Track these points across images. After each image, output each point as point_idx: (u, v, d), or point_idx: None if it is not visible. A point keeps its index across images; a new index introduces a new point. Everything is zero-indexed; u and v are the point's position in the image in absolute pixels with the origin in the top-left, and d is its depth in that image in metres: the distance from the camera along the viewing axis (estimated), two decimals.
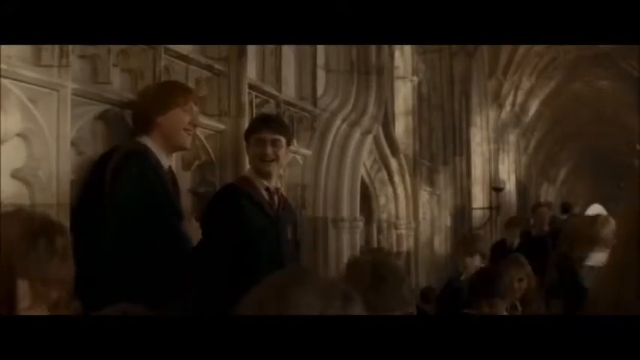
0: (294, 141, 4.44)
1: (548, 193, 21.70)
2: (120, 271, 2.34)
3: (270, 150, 2.97)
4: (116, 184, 2.41)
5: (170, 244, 2.48)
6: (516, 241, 6.70)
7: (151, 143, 2.61)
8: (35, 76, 2.35)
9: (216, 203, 3.06)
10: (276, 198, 3.06)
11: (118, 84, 2.86)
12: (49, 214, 1.94)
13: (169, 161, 2.72)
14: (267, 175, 3.02)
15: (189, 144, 2.73)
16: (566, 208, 11.57)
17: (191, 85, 3.21)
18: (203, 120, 3.34)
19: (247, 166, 3.43)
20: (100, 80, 2.73)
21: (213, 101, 3.50)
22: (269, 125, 3.04)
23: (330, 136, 4.97)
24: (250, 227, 2.94)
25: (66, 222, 2.39)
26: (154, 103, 2.66)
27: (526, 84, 14.29)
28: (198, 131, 3.31)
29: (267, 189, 3.03)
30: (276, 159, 3.00)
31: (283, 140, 3.03)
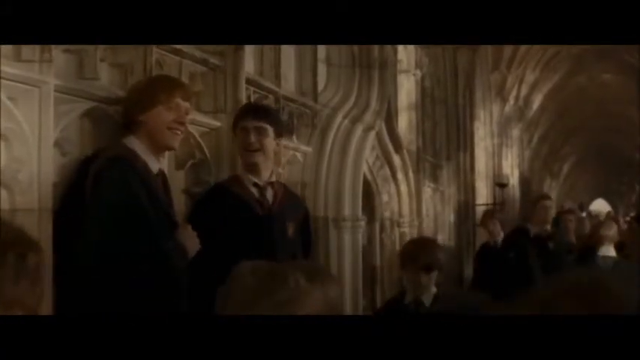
0: (294, 138, 4.30)
1: (552, 188, 21.58)
2: (99, 284, 2.19)
3: (253, 138, 2.81)
4: (97, 194, 2.25)
5: (155, 256, 2.31)
6: (500, 238, 5.97)
7: (138, 145, 2.44)
8: (15, 72, 2.18)
9: (197, 207, 2.92)
10: (269, 194, 2.89)
11: (107, 79, 2.70)
12: (22, 225, 1.76)
13: (159, 164, 2.55)
14: (254, 168, 2.85)
15: (176, 143, 2.54)
16: (582, 207, 11.63)
17: (185, 80, 3.05)
18: (198, 117, 3.20)
19: None
20: (86, 76, 2.57)
21: (208, 97, 3.34)
22: (253, 112, 2.90)
23: (332, 133, 4.80)
24: (235, 229, 2.78)
25: (48, 227, 2.25)
26: (137, 100, 2.50)
27: (530, 77, 14.14)
28: (193, 129, 3.17)
29: (256, 184, 2.87)
30: (261, 148, 2.83)
31: (270, 129, 2.86)
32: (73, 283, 2.24)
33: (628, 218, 12.53)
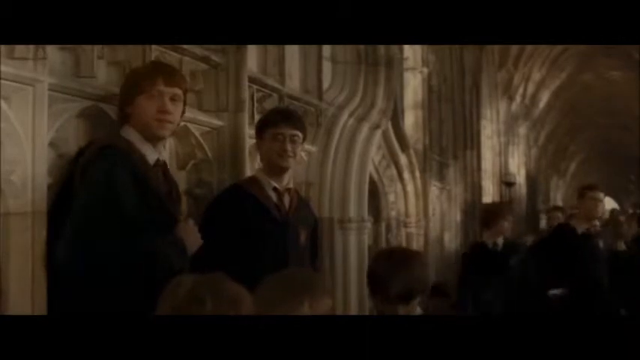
0: None
1: (558, 186, 21.47)
2: (85, 281, 2.09)
3: (289, 146, 2.85)
4: (83, 185, 2.14)
5: (140, 252, 2.16)
6: (501, 241, 4.97)
7: (134, 134, 2.31)
8: (7, 71, 2.09)
9: (216, 206, 2.87)
10: (286, 199, 2.91)
11: (104, 78, 2.61)
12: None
13: (158, 154, 2.39)
14: (282, 172, 2.89)
15: (166, 133, 2.40)
16: None
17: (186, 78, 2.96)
18: (199, 116, 3.12)
19: (246, 166, 3.23)
20: (82, 74, 2.48)
21: (210, 96, 3.24)
22: (289, 120, 2.92)
23: (337, 132, 4.70)
24: (252, 232, 2.77)
25: (42, 232, 2.17)
26: (124, 91, 2.38)
27: (537, 75, 14.04)
28: (194, 128, 3.09)
29: (275, 189, 2.87)
30: (294, 156, 2.89)
31: (301, 137, 2.93)
32: (61, 280, 2.15)
33: (631, 211, 12.45)
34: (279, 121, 2.91)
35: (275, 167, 2.89)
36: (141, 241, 2.15)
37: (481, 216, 5.42)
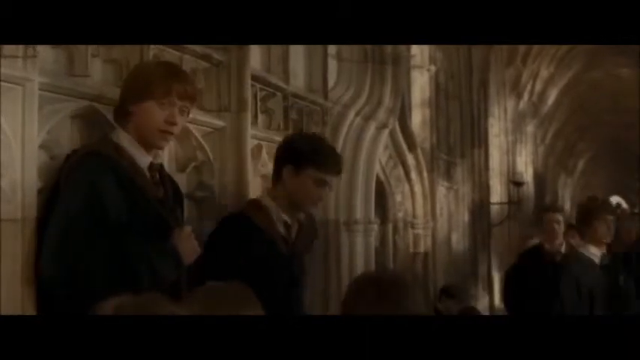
0: None
1: (566, 185, 21.34)
2: (69, 288, 1.98)
3: (324, 194, 2.73)
4: (66, 190, 2.03)
5: (129, 258, 2.04)
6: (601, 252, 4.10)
7: (127, 139, 2.18)
8: None
9: (221, 237, 2.69)
10: (294, 231, 2.76)
11: (99, 77, 2.50)
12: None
13: (152, 157, 2.24)
14: (301, 212, 2.76)
15: (164, 144, 2.29)
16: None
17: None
18: (200, 116, 3.00)
19: (249, 169, 3.13)
20: (76, 73, 2.36)
21: (211, 95, 3.12)
22: (338, 169, 2.81)
23: (343, 131, 4.62)
24: (256, 266, 2.56)
25: (32, 239, 2.06)
26: (131, 85, 2.22)
27: (545, 72, 13.89)
28: (195, 129, 2.98)
29: (285, 223, 2.73)
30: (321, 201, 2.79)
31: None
32: (47, 286, 2.05)
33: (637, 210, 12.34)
34: (329, 166, 2.71)
35: (298, 207, 2.72)
36: (123, 248, 2.04)
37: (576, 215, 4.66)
